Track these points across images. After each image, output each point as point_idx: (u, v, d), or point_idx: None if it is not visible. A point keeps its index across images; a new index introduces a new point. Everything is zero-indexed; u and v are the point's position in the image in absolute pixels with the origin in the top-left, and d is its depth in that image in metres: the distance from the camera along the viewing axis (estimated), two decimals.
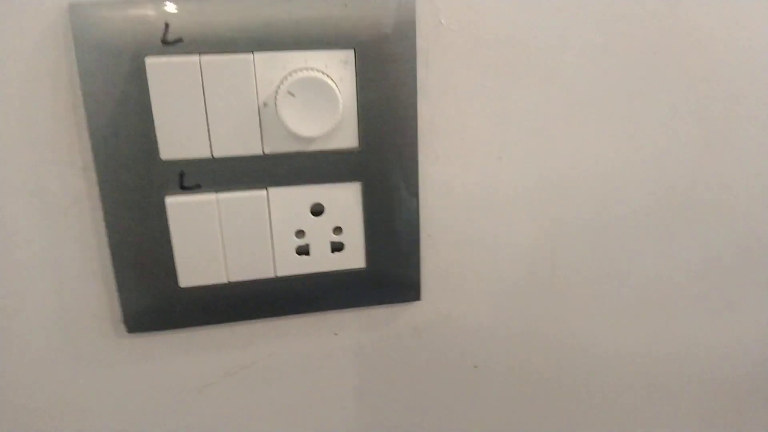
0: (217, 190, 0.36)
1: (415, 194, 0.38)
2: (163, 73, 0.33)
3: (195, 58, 0.33)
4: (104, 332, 0.38)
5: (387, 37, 0.35)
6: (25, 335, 0.37)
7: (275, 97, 0.34)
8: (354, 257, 0.38)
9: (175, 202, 0.35)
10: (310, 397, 0.42)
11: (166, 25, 0.33)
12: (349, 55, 0.35)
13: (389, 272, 0.39)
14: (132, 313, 0.37)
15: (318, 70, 0.34)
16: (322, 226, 0.37)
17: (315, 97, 0.34)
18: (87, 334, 0.38)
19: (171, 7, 0.32)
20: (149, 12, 0.32)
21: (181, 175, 0.35)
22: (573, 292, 0.43)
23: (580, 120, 0.39)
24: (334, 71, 0.35)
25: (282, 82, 0.33)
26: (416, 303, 0.41)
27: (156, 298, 0.37)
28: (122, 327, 0.37)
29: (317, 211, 0.37)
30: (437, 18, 0.36)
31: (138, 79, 0.33)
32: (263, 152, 0.35)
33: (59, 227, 0.35)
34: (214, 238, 0.36)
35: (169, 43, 0.33)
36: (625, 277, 0.43)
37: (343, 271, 0.39)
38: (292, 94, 0.33)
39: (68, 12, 0.32)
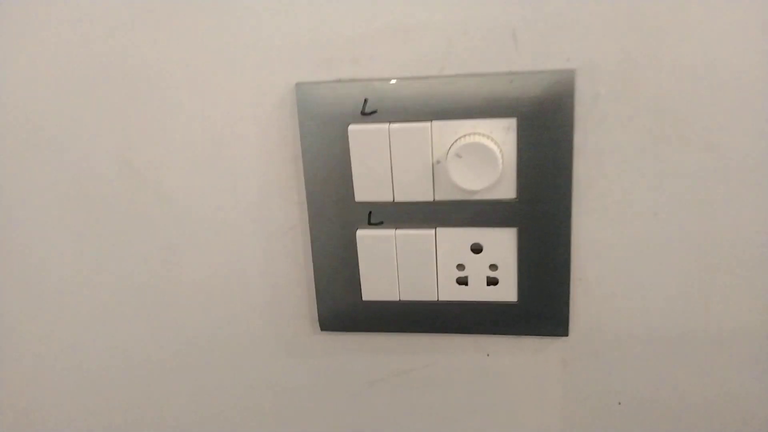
0: (396, 227, 0.44)
1: (566, 241, 0.42)
2: (361, 136, 0.42)
3: (385, 126, 0.41)
4: (304, 329, 0.49)
5: (546, 107, 0.40)
6: (246, 328, 0.49)
7: (446, 157, 0.41)
8: (507, 291, 0.44)
9: (363, 235, 0.44)
10: (457, 406, 0.49)
11: (365, 101, 0.41)
12: (511, 123, 0.40)
13: (538, 307, 0.44)
14: (325, 316, 0.47)
15: (484, 135, 0.40)
16: (479, 262, 0.44)
17: (478, 158, 0.40)
18: (291, 329, 0.49)
19: (370, 86, 0.41)
20: (353, 90, 0.41)
21: (370, 214, 0.44)
22: (726, 348, 0.43)
23: (737, 185, 0.40)
24: (498, 136, 0.41)
25: (452, 145, 0.40)
26: (564, 338, 0.45)
27: (343, 306, 0.47)
28: (317, 325, 0.48)
29: (476, 249, 0.44)
30: (596, 90, 0.39)
31: (342, 140, 0.42)
32: (434, 199, 0.43)
33: (279, 246, 0.47)
34: (391, 264, 0.45)
35: (367, 114, 0.42)
36: None
37: (496, 302, 0.45)
38: (459, 156, 0.40)
39: (295, 89, 0.42)
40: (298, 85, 0.42)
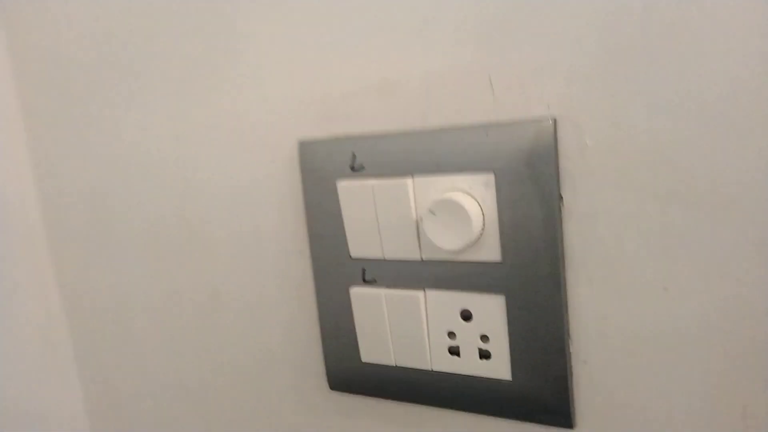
0: (387, 286, 0.42)
1: (559, 313, 0.36)
2: (349, 192, 0.42)
3: (369, 181, 0.41)
4: (317, 386, 0.49)
5: (524, 161, 0.36)
6: (265, 380, 0.51)
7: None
8: (500, 367, 0.39)
9: (356, 292, 0.44)
10: None
11: (353, 156, 0.42)
12: (489, 178, 0.37)
13: (536, 390, 0.38)
14: (333, 375, 0.47)
15: (462, 191, 0.38)
16: (470, 331, 0.40)
17: (451, 216, 0.37)
18: (305, 386, 0.49)
19: (358, 142, 0.42)
20: (344, 146, 0.42)
21: (363, 271, 0.43)
22: None
23: (764, 249, 0.31)
24: (477, 192, 0.38)
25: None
26: (571, 431, 0.38)
27: (347, 366, 0.46)
28: (326, 384, 0.48)
29: (466, 316, 0.40)
30: (582, 139, 0.35)
31: (336, 195, 0.43)
32: (421, 258, 0.41)
33: (295, 301, 0.48)
34: (383, 324, 0.43)
35: (356, 170, 0.42)
36: None
37: (490, 379, 0.40)
38: (433, 213, 0.38)
39: (298, 146, 0.44)
40: (301, 143, 0.44)
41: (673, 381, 0.35)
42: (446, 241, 0.38)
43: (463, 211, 0.37)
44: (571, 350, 0.37)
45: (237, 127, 0.47)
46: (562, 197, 0.36)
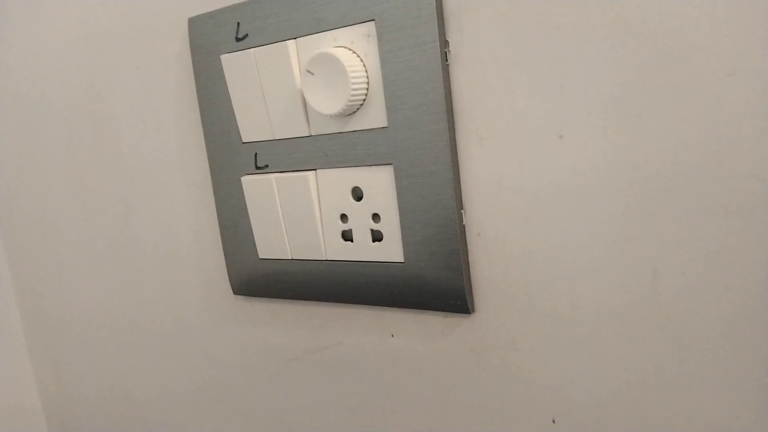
0: (280, 171, 0.38)
1: (448, 180, 0.32)
2: (234, 66, 0.38)
3: (250, 52, 0.37)
4: (221, 292, 0.45)
5: (404, 1, 0.31)
6: (171, 286, 0.47)
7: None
8: (392, 249, 0.35)
9: (247, 180, 0.40)
10: (367, 395, 0.39)
11: (238, 25, 0.38)
12: (370, 27, 0.33)
13: (429, 271, 0.34)
14: (235, 278, 0.43)
15: (344, 47, 0.33)
16: (362, 211, 0.36)
17: (331, 74, 0.33)
18: (209, 292, 0.45)
19: (241, 10, 0.37)
20: (227, 16, 0.38)
21: (255, 156, 0.39)
22: (687, 321, 0.28)
23: (670, 82, 0.26)
24: (359, 46, 0.33)
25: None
26: (471, 318, 0.34)
27: (247, 267, 0.42)
28: (230, 289, 0.44)
29: (358, 196, 0.36)
30: None
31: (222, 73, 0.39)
32: (310, 134, 0.36)
33: (198, 198, 0.44)
34: (276, 213, 0.39)
35: (240, 39, 0.38)
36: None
37: (383, 263, 0.36)
38: (311, 73, 0.34)
39: (188, 23, 0.40)
40: (190, 20, 0.40)
41: (575, 245, 0.30)
42: (326, 105, 0.34)
43: (339, 65, 0.32)
44: (465, 222, 0.33)
45: (130, 10, 0.43)
46: (447, 42, 0.31)
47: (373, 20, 0.32)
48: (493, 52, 0.30)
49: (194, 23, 0.40)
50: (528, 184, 0.30)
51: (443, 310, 0.34)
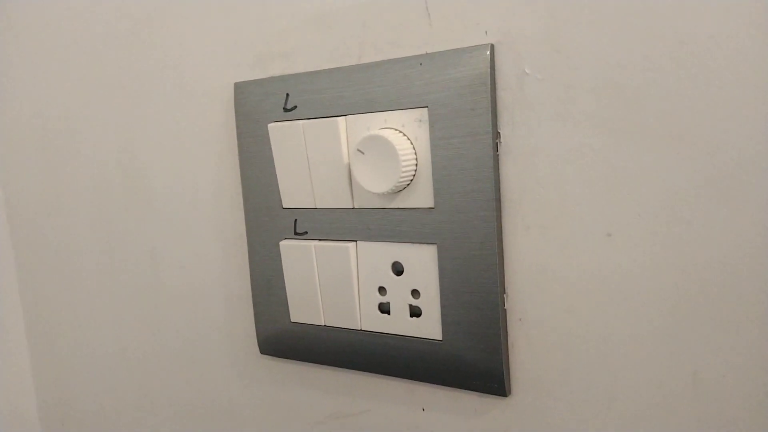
0: (319, 238, 0.39)
1: (493, 264, 0.33)
2: (280, 134, 0.39)
3: (299, 122, 0.38)
4: (248, 350, 0.45)
5: (459, 92, 0.32)
6: (199, 339, 0.47)
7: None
8: (430, 326, 0.36)
9: (286, 245, 0.40)
10: None
11: (287, 96, 0.39)
12: (423, 113, 0.34)
13: (467, 352, 0.34)
14: (263, 337, 0.43)
15: (395, 129, 0.35)
16: (401, 286, 0.36)
17: (381, 155, 0.34)
18: (236, 348, 0.46)
19: (290, 81, 0.38)
20: (276, 87, 0.39)
21: (295, 222, 0.40)
22: (726, 423, 0.28)
23: (720, 194, 0.27)
24: (410, 130, 0.34)
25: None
26: (507, 400, 0.34)
27: (277, 327, 0.42)
28: (257, 349, 0.44)
29: (398, 271, 0.36)
30: (521, 68, 0.31)
31: (269, 140, 0.40)
32: (353, 206, 0.37)
33: (231, 256, 0.45)
34: (313, 279, 0.39)
35: (288, 110, 0.39)
36: None
37: (420, 339, 0.36)
38: (362, 152, 0.35)
39: (234, 88, 0.41)
40: (236, 85, 0.41)
41: (617, 340, 0.31)
42: (375, 183, 0.34)
43: (391, 148, 0.33)
44: (506, 306, 0.33)
45: (174, 73, 0.44)
46: (499, 133, 0.32)
47: (427, 107, 0.34)
48: (545, 147, 0.31)
49: (241, 89, 0.41)
50: (573, 275, 0.31)
51: (479, 391, 0.35)
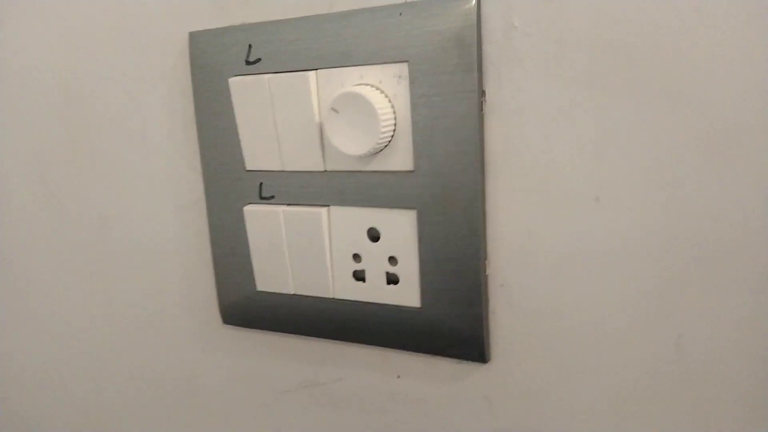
0: (287, 203, 0.37)
1: (475, 230, 0.32)
2: (243, 90, 0.36)
3: (265, 77, 0.35)
4: (209, 320, 0.43)
5: (442, 47, 0.30)
6: (156, 311, 0.44)
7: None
8: (408, 293, 0.34)
9: (251, 210, 0.38)
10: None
11: (249, 47, 0.35)
12: (402, 68, 0.31)
13: (446, 319, 0.33)
14: (226, 307, 0.41)
15: (371, 86, 0.32)
16: (377, 253, 0.35)
17: (357, 114, 0.31)
18: (197, 319, 0.43)
19: (254, 31, 0.35)
20: (239, 37, 0.36)
21: (260, 186, 0.37)
22: (710, 388, 0.29)
23: (714, 157, 0.26)
24: (388, 87, 0.32)
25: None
26: (487, 366, 0.34)
27: (241, 297, 0.40)
28: (219, 318, 0.42)
29: (375, 237, 0.35)
30: (509, 20, 0.29)
31: (229, 95, 0.36)
32: (325, 169, 0.35)
33: (187, 221, 0.42)
34: (281, 247, 0.37)
35: (251, 62, 0.36)
36: None
37: (397, 306, 0.35)
38: (336, 111, 0.32)
39: (189, 38, 0.38)
40: (192, 34, 0.37)
41: (601, 305, 0.30)
42: (351, 145, 0.32)
43: (370, 107, 0.31)
44: (488, 272, 0.32)
45: (122, 18, 0.40)
46: (484, 92, 0.30)
47: (407, 62, 0.31)
48: (533, 105, 0.30)
49: (196, 38, 0.37)
50: (558, 241, 0.30)
51: (458, 358, 0.34)
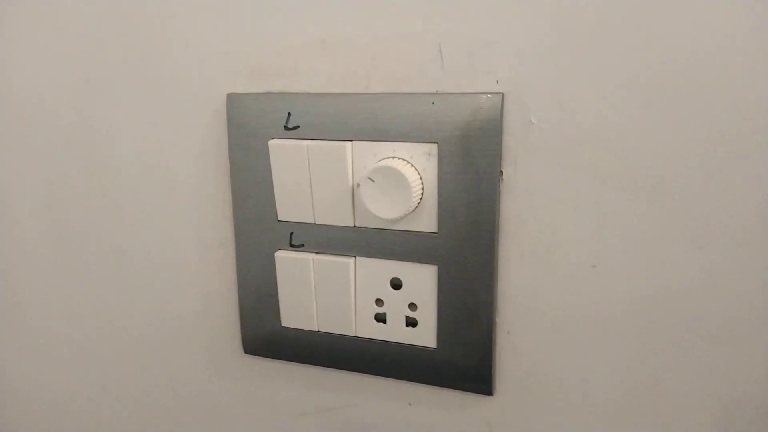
0: (316, 251, 0.41)
1: (489, 286, 0.37)
2: (282, 152, 0.40)
3: (304, 142, 0.39)
4: (230, 350, 0.47)
5: (469, 134, 0.36)
6: (175, 341, 0.48)
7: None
8: (426, 335, 0.40)
9: (282, 256, 0.42)
10: None
11: (288, 115, 0.40)
12: (432, 148, 0.37)
13: (459, 358, 0.39)
14: (248, 339, 0.45)
15: (402, 159, 0.37)
16: (399, 299, 0.40)
17: (391, 184, 0.36)
18: (217, 349, 0.47)
19: (294, 100, 0.39)
20: (279, 104, 0.40)
21: (291, 235, 0.42)
22: (682, 418, 0.36)
23: (691, 238, 0.33)
24: (418, 162, 0.37)
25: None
26: (489, 398, 0.40)
27: (265, 331, 0.44)
28: (240, 348, 0.46)
29: (396, 285, 0.40)
30: (527, 117, 0.35)
31: (267, 155, 0.40)
32: (354, 225, 0.40)
33: (210, 261, 0.45)
34: (309, 290, 0.42)
35: (290, 129, 0.40)
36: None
37: (415, 346, 0.40)
38: (372, 180, 0.37)
39: (226, 99, 0.41)
40: (230, 96, 0.41)
41: (592, 357, 0.37)
42: (384, 210, 0.37)
43: (404, 179, 0.36)
44: (497, 321, 0.38)
45: (159, 74, 0.43)
46: (502, 172, 0.36)
47: (437, 143, 0.36)
48: (542, 187, 0.36)
49: (235, 100, 0.41)
50: (558, 299, 0.37)
51: (467, 390, 0.40)
